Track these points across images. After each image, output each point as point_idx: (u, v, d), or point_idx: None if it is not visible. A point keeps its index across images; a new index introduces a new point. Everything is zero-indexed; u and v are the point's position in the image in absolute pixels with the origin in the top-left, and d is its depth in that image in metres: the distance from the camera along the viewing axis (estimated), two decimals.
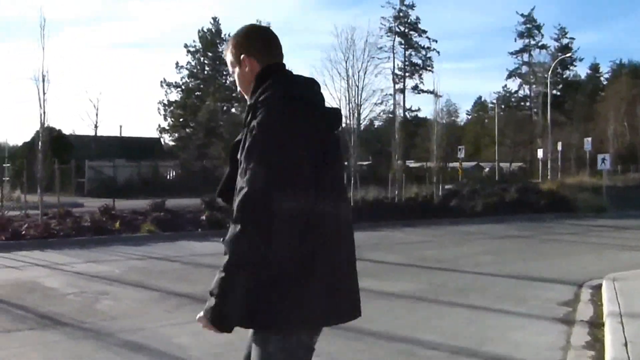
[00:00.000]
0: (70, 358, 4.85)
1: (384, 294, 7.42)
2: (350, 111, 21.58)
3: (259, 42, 2.28)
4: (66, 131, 35.55)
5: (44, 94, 14.12)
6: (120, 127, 51.97)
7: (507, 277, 8.61)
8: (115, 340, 5.39)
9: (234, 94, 48.84)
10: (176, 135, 48.83)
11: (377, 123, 51.77)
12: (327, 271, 2.09)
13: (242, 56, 2.25)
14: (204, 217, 15.02)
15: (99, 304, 6.89)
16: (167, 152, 44.64)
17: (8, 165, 23.72)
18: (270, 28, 2.44)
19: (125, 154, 36.14)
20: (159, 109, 49.21)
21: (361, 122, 26.63)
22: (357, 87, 20.84)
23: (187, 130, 47.28)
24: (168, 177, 33.96)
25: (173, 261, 10.42)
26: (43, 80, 14.06)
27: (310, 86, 2.23)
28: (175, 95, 49.33)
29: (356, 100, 21.03)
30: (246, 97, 2.26)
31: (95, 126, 38.55)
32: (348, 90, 20.97)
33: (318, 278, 2.07)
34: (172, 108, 48.59)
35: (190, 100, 48.22)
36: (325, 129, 2.16)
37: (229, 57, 2.32)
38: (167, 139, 50.64)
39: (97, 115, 38.23)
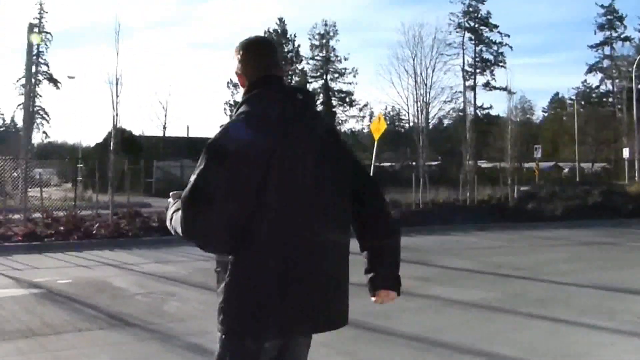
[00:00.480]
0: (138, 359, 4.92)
1: (456, 302, 7.21)
2: (418, 109, 21.26)
3: (247, 56, 2.39)
4: (136, 132, 36.85)
5: (117, 96, 14.65)
6: (188, 127, 53.37)
7: (592, 288, 8.16)
8: (181, 342, 5.45)
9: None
10: None
11: (446, 122, 51.00)
12: (278, 284, 2.17)
13: (236, 73, 2.42)
14: None
15: (167, 305, 7.01)
16: None
17: (81, 165, 24.74)
18: (265, 38, 2.60)
19: (192, 154, 36.94)
20: (225, 109, 50.24)
21: (430, 120, 26.19)
22: (425, 84, 20.57)
23: None
24: None
25: None
26: (116, 83, 14.59)
27: (282, 101, 2.26)
28: (240, 96, 50.22)
29: (424, 99, 20.71)
30: None
31: (164, 127, 39.76)
32: (416, 88, 20.81)
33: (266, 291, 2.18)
34: None
35: None
36: (288, 145, 2.18)
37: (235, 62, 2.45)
38: None
39: (165, 116, 39.43)
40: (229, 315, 2.24)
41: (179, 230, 2.20)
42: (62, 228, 12.87)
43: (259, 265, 2.19)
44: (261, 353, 2.26)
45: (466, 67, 54.22)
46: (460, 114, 44.89)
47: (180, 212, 2.18)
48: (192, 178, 2.15)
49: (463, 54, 54.37)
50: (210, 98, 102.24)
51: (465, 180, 19.77)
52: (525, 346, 5.38)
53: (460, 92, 47.41)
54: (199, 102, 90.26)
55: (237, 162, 2.12)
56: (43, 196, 15.89)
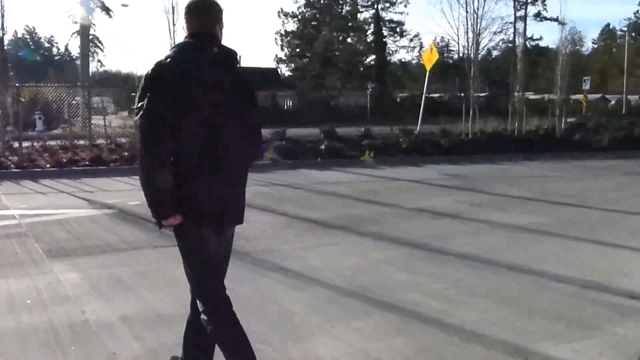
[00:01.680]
0: None
1: (509, 226, 7.31)
2: (469, 40, 20.65)
3: (186, 16, 2.90)
4: None
5: (174, 25, 14.72)
6: (240, 57, 53.15)
7: (637, 215, 8.12)
8: (251, 259, 5.74)
9: (350, 24, 48.25)
10: (293, 65, 49.27)
11: (495, 53, 49.30)
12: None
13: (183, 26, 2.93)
14: (323, 147, 15.29)
15: None
16: (284, 82, 45.31)
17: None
18: (202, 1, 2.93)
19: None
20: (276, 39, 49.66)
21: (479, 51, 25.43)
22: (476, 14, 19.76)
23: (304, 60, 47.53)
24: (285, 106, 34.62)
25: (296, 188, 10.78)
26: (173, 12, 14.64)
27: (183, 55, 2.80)
28: (292, 25, 49.37)
29: (475, 29, 20.01)
30: None
31: None
32: (467, 18, 19.97)
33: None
34: (289, 38, 48.83)
35: (307, 30, 48.17)
36: (189, 86, 2.72)
37: None
38: (284, 69, 51.32)
39: None
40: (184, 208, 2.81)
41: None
42: (125, 154, 13.34)
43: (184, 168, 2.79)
44: (210, 238, 2.90)
45: None
46: (510, 45, 43.35)
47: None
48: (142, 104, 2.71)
49: None
50: (261, 27, 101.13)
51: (514, 111, 19.37)
52: (576, 266, 5.48)
53: (511, 22, 45.48)
54: (250, 31, 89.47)
55: (155, 92, 2.70)
56: (102, 123, 16.39)
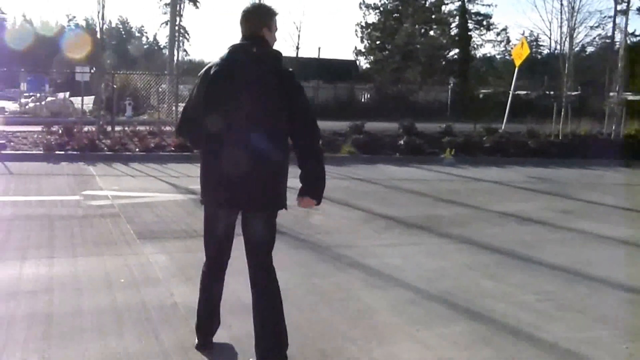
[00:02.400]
0: (296, 265, 5.31)
1: (604, 238, 7.00)
2: (562, 35, 19.80)
3: (240, 21, 3.32)
4: None
5: None
6: (319, 49, 53.65)
7: None
8: (331, 253, 5.79)
9: (433, 16, 47.44)
10: (372, 58, 48.96)
11: (589, 49, 47.12)
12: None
13: None
14: (402, 142, 15.16)
15: (312, 218, 7.40)
16: (362, 75, 45.18)
17: None
18: (251, 7, 3.35)
19: (323, 75, 37.29)
20: (356, 31, 49.55)
21: (573, 47, 24.38)
22: (572, 8, 18.90)
23: (384, 53, 47.17)
24: (363, 99, 34.52)
25: (374, 183, 10.76)
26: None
27: (229, 55, 3.24)
28: (373, 17, 49.10)
29: (570, 24, 19.16)
30: None
31: (297, 47, 40.15)
32: (561, 12, 19.15)
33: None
34: (369, 30, 48.56)
35: (388, 23, 47.76)
36: (221, 84, 3.17)
37: None
38: (363, 62, 51.13)
39: (299, 37, 39.78)
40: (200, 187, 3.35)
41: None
42: None
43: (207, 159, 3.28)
44: (218, 216, 3.35)
45: None
46: (608, 41, 41.35)
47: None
48: None
49: None
50: (341, 19, 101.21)
51: (611, 113, 18.47)
52: None
53: (610, 17, 43.31)
54: (330, 23, 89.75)
55: (198, 83, 3.25)
56: None
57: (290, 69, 3.30)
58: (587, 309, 4.52)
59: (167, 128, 15.62)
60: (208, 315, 3.54)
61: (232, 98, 3.15)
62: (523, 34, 44.75)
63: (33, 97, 28.73)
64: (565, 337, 3.92)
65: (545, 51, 47.66)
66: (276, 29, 3.36)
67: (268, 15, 3.32)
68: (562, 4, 18.88)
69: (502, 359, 3.57)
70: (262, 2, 3.59)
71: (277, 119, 3.17)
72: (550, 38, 37.82)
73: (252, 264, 3.35)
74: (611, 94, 19.29)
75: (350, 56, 50.57)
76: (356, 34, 49.80)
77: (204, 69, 3.27)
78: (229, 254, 3.50)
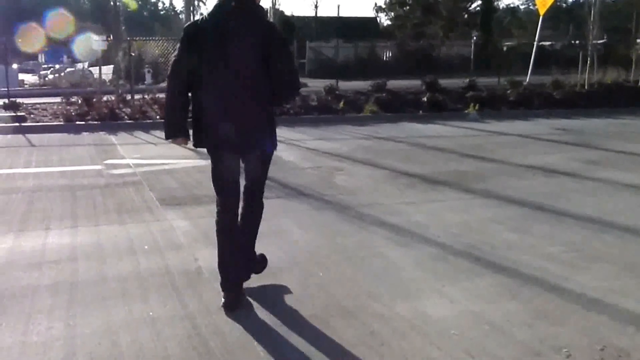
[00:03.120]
0: (320, 226, 5.30)
1: (630, 186, 6.88)
2: None
3: None
4: (287, 12, 37.12)
5: None
6: (338, 6, 52.56)
7: None
8: (355, 212, 5.75)
9: None
10: (392, 14, 48.09)
11: None
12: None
13: None
14: (425, 99, 14.93)
15: (335, 179, 7.36)
16: (383, 32, 44.46)
17: None
18: None
19: (343, 34, 36.72)
20: None
21: None
22: None
23: (404, 8, 46.24)
24: (384, 57, 34.02)
25: (398, 142, 10.64)
26: None
27: (214, 11, 3.50)
28: None
29: None
30: None
31: (315, 6, 39.67)
32: None
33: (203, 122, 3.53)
34: None
35: None
36: (210, 38, 3.42)
37: None
38: (384, 19, 50.28)
39: None
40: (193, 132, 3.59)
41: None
42: None
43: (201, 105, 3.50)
44: (222, 157, 3.61)
45: None
46: None
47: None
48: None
49: None
50: None
51: (637, 60, 17.92)
52: None
53: None
54: None
55: (185, 40, 3.49)
56: None
57: (272, 21, 3.58)
58: (614, 258, 4.44)
59: None
60: (232, 267, 3.65)
61: (218, 50, 3.41)
62: None
63: (52, 69, 28.88)
64: (592, 287, 3.86)
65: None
66: None
67: None
68: None
69: (528, 311, 3.52)
70: None
71: (261, 68, 3.43)
72: None
73: (247, 192, 3.78)
74: (638, 40, 18.67)
75: (371, 13, 49.81)
76: None
77: (184, 29, 3.54)
78: (239, 197, 3.72)
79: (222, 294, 3.62)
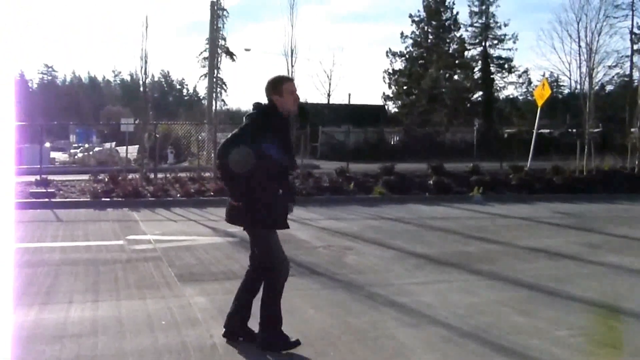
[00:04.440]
0: (331, 305, 5.22)
1: (633, 271, 6.76)
2: (581, 75, 19.60)
3: None
4: (302, 99, 37.98)
5: (292, 66, 15.22)
6: (349, 95, 54.03)
7: None
8: (365, 292, 5.67)
9: (457, 61, 47.66)
10: (400, 102, 49.23)
11: (608, 87, 46.50)
12: None
13: None
14: (431, 182, 15.03)
15: (346, 258, 7.32)
16: (391, 119, 45.33)
17: None
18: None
19: (354, 120, 37.50)
20: (384, 77, 50.03)
21: (593, 86, 24.14)
22: (591, 49, 18.73)
23: (411, 97, 47.38)
24: (392, 142, 34.54)
25: (405, 223, 10.63)
26: (291, 55, 15.16)
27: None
28: (399, 64, 49.61)
29: (589, 64, 18.96)
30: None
31: (328, 95, 40.66)
32: (579, 53, 19.02)
33: None
34: (396, 76, 49.00)
35: (414, 69, 48.15)
36: None
37: None
38: (391, 106, 51.39)
39: (330, 85, 40.31)
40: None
41: None
42: None
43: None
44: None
45: (635, 30, 48.73)
46: (626, 79, 40.82)
47: None
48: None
49: (632, 15, 48.77)
50: (370, 67, 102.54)
51: (633, 148, 18.07)
52: None
53: (627, 56, 42.87)
54: (359, 71, 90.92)
55: None
56: None
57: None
58: (621, 344, 4.31)
59: (207, 174, 15.82)
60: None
61: None
62: (544, 75, 44.32)
63: (82, 148, 29.52)
64: None
65: (566, 91, 47.31)
66: (291, 91, 4.09)
67: (276, 85, 4.09)
68: (580, 46, 18.81)
69: None
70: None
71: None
72: (570, 78, 37.38)
73: None
74: (632, 129, 18.91)
75: (379, 101, 50.96)
76: (384, 81, 50.30)
77: None
78: None
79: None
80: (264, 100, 4.13)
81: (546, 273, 6.57)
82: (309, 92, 51.34)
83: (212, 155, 17.14)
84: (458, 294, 5.64)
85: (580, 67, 19.23)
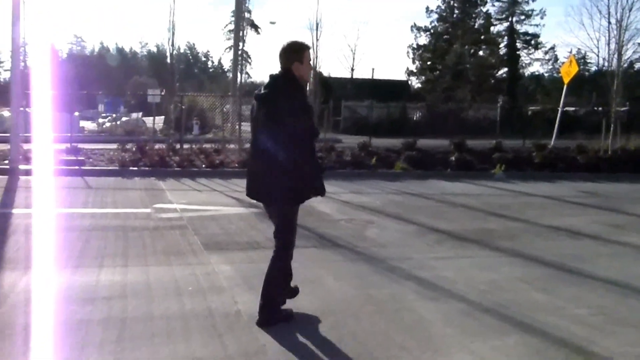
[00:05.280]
0: (352, 277, 5.27)
1: None
2: (610, 53, 19.11)
3: None
4: (324, 73, 37.80)
5: (317, 40, 15.10)
6: (373, 70, 53.52)
7: None
8: (386, 265, 5.71)
9: (482, 37, 46.83)
10: (423, 78, 48.73)
11: (637, 65, 45.35)
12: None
13: None
14: (453, 158, 14.92)
15: (368, 231, 7.35)
16: (414, 95, 44.90)
17: None
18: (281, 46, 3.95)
19: (377, 95, 37.20)
20: (408, 52, 49.55)
21: (622, 64, 23.52)
22: (621, 25, 18.20)
23: (435, 73, 46.80)
24: (414, 118, 34.24)
25: (427, 198, 10.60)
26: (317, 28, 15.04)
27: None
28: (424, 39, 49.01)
29: (618, 41, 18.45)
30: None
31: (352, 69, 40.38)
32: (609, 30, 18.50)
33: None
34: (420, 52, 48.42)
35: (438, 44, 47.48)
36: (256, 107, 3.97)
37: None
38: (415, 82, 50.90)
39: (353, 59, 40.00)
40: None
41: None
42: None
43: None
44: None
45: None
46: None
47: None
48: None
49: None
50: (394, 42, 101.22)
51: None
52: None
53: None
54: (383, 45, 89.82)
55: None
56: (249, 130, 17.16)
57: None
58: None
59: (231, 146, 15.90)
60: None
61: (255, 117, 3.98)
62: (571, 52, 43.60)
63: (109, 117, 29.81)
64: (620, 352, 3.73)
65: (593, 68, 46.24)
66: (309, 59, 3.93)
67: (299, 51, 3.87)
68: (609, 22, 18.31)
69: None
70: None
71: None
72: (598, 55, 36.61)
73: None
74: None
75: (403, 76, 50.47)
76: (408, 56, 49.84)
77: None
78: None
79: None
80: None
81: (567, 252, 6.53)
82: (333, 66, 51.03)
83: (237, 127, 17.20)
84: (478, 270, 5.65)
85: (609, 44, 18.75)
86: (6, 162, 12.26)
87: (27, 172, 11.66)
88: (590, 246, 6.94)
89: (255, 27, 49.59)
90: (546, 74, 50.91)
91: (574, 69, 17.85)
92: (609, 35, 18.46)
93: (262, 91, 3.91)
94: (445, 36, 48.23)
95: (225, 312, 4.23)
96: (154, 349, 3.53)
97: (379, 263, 5.80)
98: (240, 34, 23.96)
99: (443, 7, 48.56)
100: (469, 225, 7.95)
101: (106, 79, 62.13)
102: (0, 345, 3.50)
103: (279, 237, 4.07)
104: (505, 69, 46.26)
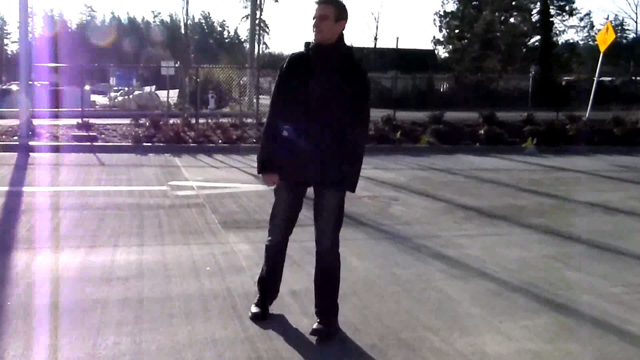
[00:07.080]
0: (376, 256, 5.29)
1: None
2: None
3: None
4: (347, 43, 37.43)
5: None
6: (397, 39, 52.80)
7: None
8: (412, 244, 5.72)
9: (513, 3, 45.82)
10: (451, 47, 47.94)
11: None
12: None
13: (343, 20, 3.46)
14: (482, 132, 14.77)
15: (392, 209, 7.35)
16: (441, 65, 44.36)
17: None
18: None
19: (401, 65, 36.79)
20: (434, 20, 48.81)
21: None
22: None
23: (463, 42, 46.04)
24: (441, 89, 33.86)
25: (454, 174, 10.54)
26: None
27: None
28: (452, 6, 48.07)
29: None
30: (322, 40, 3.45)
31: (375, 38, 39.98)
32: None
33: None
34: (448, 19, 47.55)
35: (467, 11, 46.58)
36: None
37: (330, 11, 3.39)
38: (441, 51, 50.20)
39: (377, 27, 39.60)
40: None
41: None
42: None
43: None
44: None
45: None
46: None
47: None
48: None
49: None
50: (420, 9, 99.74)
51: None
52: None
53: None
54: (409, 13, 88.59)
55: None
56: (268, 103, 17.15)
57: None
58: None
59: (249, 120, 15.92)
60: (272, 286, 3.90)
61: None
62: (607, 19, 42.59)
63: (122, 91, 29.96)
64: None
65: (631, 35, 45.21)
66: (314, 17, 3.41)
67: (345, 9, 3.48)
68: None
69: (588, 352, 3.42)
70: None
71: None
72: (636, 22, 36.00)
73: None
74: None
75: (429, 46, 49.81)
76: (434, 23, 49.11)
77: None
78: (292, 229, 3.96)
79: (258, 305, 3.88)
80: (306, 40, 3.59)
81: (601, 228, 6.48)
82: (355, 35, 50.47)
83: (254, 100, 17.20)
84: (508, 248, 5.63)
85: None
86: (15, 138, 12.43)
87: (38, 149, 11.84)
88: (625, 222, 6.87)
89: None
90: (581, 42, 49.89)
91: (611, 37, 17.44)
92: None
93: (336, 61, 3.46)
94: (474, 2, 47.23)
95: (244, 292, 4.28)
96: (172, 330, 3.60)
97: (403, 241, 5.81)
98: (258, 1, 23.82)
99: None
100: (498, 202, 7.91)
101: (118, 51, 62.40)
102: (16, 326, 3.59)
103: (334, 232, 3.75)
104: (538, 37, 45.24)
